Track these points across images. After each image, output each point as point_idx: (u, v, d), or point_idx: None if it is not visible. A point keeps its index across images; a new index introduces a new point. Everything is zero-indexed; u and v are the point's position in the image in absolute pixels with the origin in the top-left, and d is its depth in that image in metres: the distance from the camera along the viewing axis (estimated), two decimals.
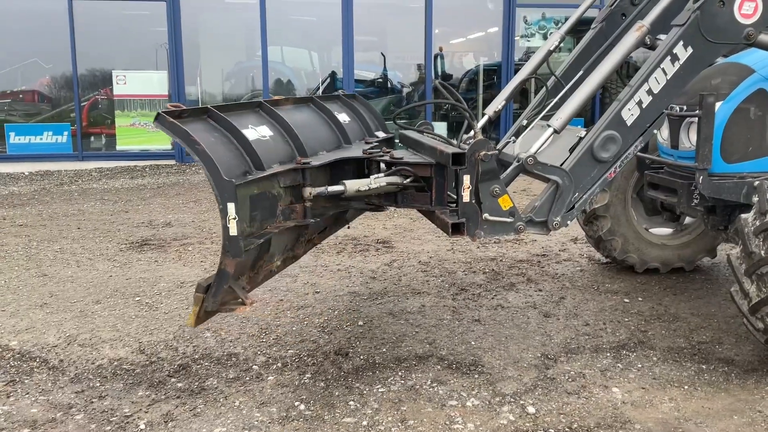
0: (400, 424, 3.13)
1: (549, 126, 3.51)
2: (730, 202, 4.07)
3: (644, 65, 3.55)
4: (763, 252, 3.36)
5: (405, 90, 14.71)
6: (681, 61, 3.50)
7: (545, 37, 13.93)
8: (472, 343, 4.00)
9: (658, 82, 3.50)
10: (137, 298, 4.82)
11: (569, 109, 3.51)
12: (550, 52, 4.42)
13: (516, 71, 13.64)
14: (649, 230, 5.26)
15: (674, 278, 5.16)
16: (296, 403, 3.32)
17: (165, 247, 6.23)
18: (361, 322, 4.30)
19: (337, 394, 3.42)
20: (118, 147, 12.32)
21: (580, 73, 4.18)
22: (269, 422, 3.16)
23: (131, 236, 6.70)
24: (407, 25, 14.08)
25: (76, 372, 3.70)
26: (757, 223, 3.42)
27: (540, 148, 3.47)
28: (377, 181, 3.32)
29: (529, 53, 14.42)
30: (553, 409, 3.25)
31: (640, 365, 3.72)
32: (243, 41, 14.01)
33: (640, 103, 3.49)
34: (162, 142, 12.54)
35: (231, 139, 2.89)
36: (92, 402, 3.37)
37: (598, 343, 3.99)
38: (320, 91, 13.83)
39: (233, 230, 2.69)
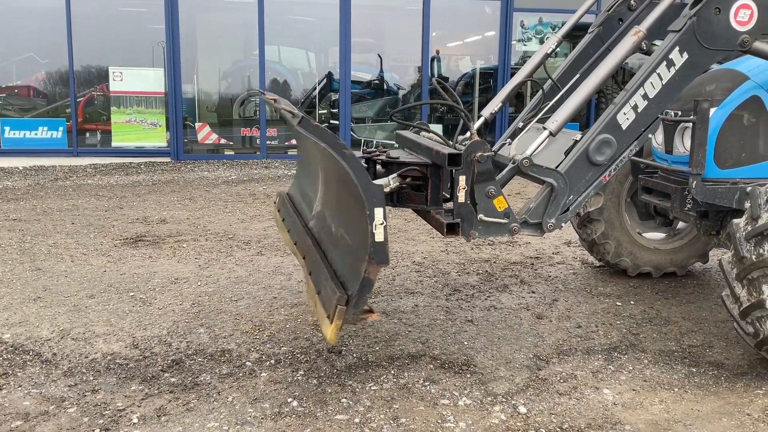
0: (392, 421, 3.14)
1: (545, 129, 3.54)
2: (723, 207, 4.10)
3: (640, 70, 3.59)
4: (754, 257, 3.39)
5: (401, 92, 14.74)
6: (677, 67, 3.54)
7: (542, 42, 13.99)
8: (465, 343, 4.02)
9: (653, 86, 3.53)
10: (131, 294, 4.82)
11: (565, 112, 3.54)
12: (547, 56, 4.46)
13: (513, 75, 13.77)
14: (642, 234, 5.30)
15: (666, 282, 5.20)
16: (289, 400, 3.33)
17: (159, 244, 6.23)
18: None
19: (329, 391, 3.43)
20: (114, 143, 12.30)
21: (577, 76, 4.21)
22: (262, 418, 3.17)
23: (125, 232, 6.70)
24: (405, 27, 14.12)
25: (70, 366, 3.70)
26: (749, 228, 3.46)
27: (536, 150, 3.50)
28: (394, 180, 3.36)
29: (525, 57, 14.49)
30: (545, 410, 3.27)
31: (631, 367, 3.75)
32: (240, 40, 14.02)
33: (635, 107, 3.53)
34: (157, 139, 12.54)
35: None
36: (85, 395, 3.38)
37: (590, 345, 4.02)
38: (316, 91, 13.86)
39: (380, 236, 2.58)
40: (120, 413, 3.21)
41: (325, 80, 14.20)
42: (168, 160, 12.32)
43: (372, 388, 3.47)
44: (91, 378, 3.57)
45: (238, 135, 13.18)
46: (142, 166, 11.60)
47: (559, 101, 4.13)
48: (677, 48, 3.52)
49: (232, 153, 13.03)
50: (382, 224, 2.60)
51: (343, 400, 3.34)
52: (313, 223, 3.62)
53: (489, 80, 13.95)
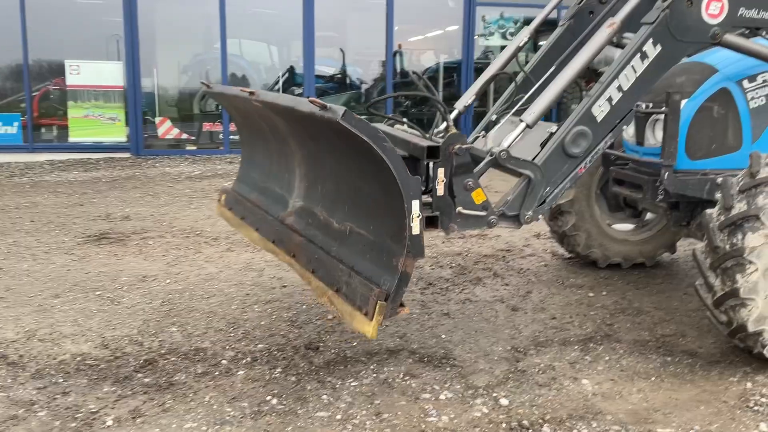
0: (374, 417, 3.11)
1: (522, 121, 3.53)
2: (694, 198, 4.16)
3: (614, 62, 3.60)
4: (727, 246, 3.44)
5: (364, 86, 14.67)
6: (650, 59, 3.56)
7: (504, 36, 14.07)
8: (443, 336, 4.01)
9: (627, 79, 3.55)
10: (98, 293, 4.69)
11: (542, 104, 3.54)
12: (519, 48, 4.46)
13: (476, 69, 13.82)
14: (612, 226, 5.35)
15: (636, 273, 5.26)
16: (268, 398, 3.27)
17: (124, 241, 6.08)
18: (330, 316, 4.26)
19: (309, 388, 3.38)
20: (71, 139, 11.97)
21: (553, 68, 4.22)
22: (241, 417, 3.10)
23: (88, 229, 6.52)
24: (368, 21, 14.05)
25: (38, 367, 3.58)
26: (722, 218, 3.50)
27: (513, 142, 3.49)
28: None
29: (487, 52, 14.55)
30: (526, 401, 3.28)
31: (607, 357, 3.78)
32: (201, 33, 13.79)
33: (610, 99, 3.54)
34: (116, 134, 12.26)
35: None
36: (55, 398, 3.27)
37: (566, 336, 4.04)
38: (279, 85, 13.72)
39: (416, 229, 2.56)
40: (93, 416, 3.11)
41: (287, 74, 14.06)
42: (128, 155, 12.05)
43: (352, 384, 3.43)
44: (61, 380, 3.46)
45: (199, 130, 12.96)
46: (101, 162, 11.32)
47: (534, 94, 4.15)
48: (651, 40, 3.54)
49: (194, 148, 12.81)
50: (418, 217, 2.58)
51: (324, 396, 3.30)
52: (293, 219, 3.53)
53: (453, 74, 13.97)
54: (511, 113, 4.02)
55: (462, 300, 4.62)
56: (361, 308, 2.65)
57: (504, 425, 3.06)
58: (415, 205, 2.55)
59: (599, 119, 3.54)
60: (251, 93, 3.16)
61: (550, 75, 4.10)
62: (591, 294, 4.78)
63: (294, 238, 3.35)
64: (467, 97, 4.39)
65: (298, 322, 4.18)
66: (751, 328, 3.45)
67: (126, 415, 3.11)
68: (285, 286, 4.84)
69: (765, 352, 3.53)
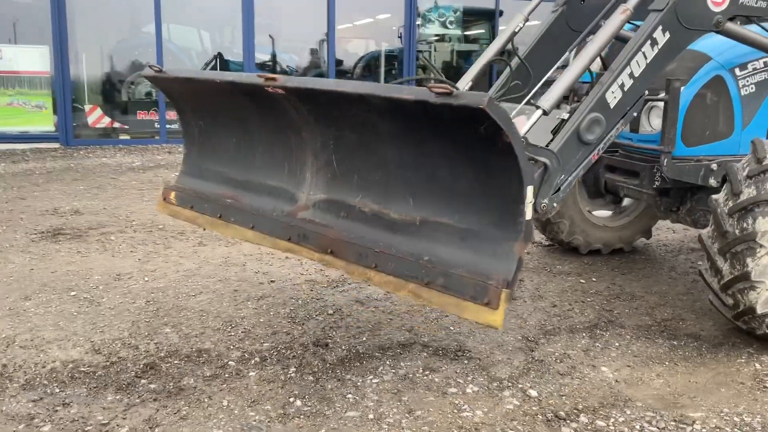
0: (407, 415, 3.00)
1: (538, 107, 3.48)
2: (687, 184, 4.23)
3: (625, 48, 3.60)
4: (737, 231, 3.50)
5: (296, 74, 14.39)
6: (659, 46, 3.57)
7: (444, 25, 14.10)
8: (451, 328, 3.93)
9: (639, 65, 3.55)
10: (72, 293, 4.36)
11: (557, 90, 3.48)
12: (514, 33, 4.40)
13: (417, 58, 13.79)
14: (591, 213, 5.40)
15: (617, 259, 5.34)
16: (290, 399, 3.11)
17: (83, 237, 5.70)
18: (330, 311, 4.11)
19: (330, 387, 3.23)
20: None
21: (569, 54, 4.22)
22: (268, 421, 2.93)
23: (38, 225, 6.08)
24: (307, 7, 13.77)
25: (27, 377, 3.28)
26: (730, 203, 3.56)
27: (529, 129, 3.43)
28: None
29: (421, 40, 14.49)
30: (553, 392, 3.24)
31: (617, 344, 3.80)
32: (128, 17, 13.16)
33: (622, 86, 3.53)
34: (43, 123, 11.57)
35: None
36: (56, 410, 2.99)
37: (572, 324, 4.04)
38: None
39: (528, 214, 2.55)
40: (104, 427, 2.87)
41: (214, 61, 13.66)
42: (57, 145, 11.41)
43: (373, 381, 3.30)
44: (57, 390, 3.17)
45: (134, 118, 12.38)
46: (28, 153, 10.66)
47: (536, 80, 4.12)
48: (660, 27, 3.56)
49: (128, 137, 12.25)
50: (530, 203, 2.56)
51: (349, 396, 3.16)
52: (312, 213, 3.29)
53: (393, 62, 13.89)
54: (523, 102, 3.97)
55: None
56: (475, 298, 2.56)
57: (540, 417, 3.01)
58: (529, 190, 2.54)
59: (612, 106, 3.52)
60: (270, 78, 2.95)
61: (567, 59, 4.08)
62: (582, 281, 4.81)
63: (326, 233, 3.14)
64: (463, 83, 4.31)
65: (298, 319, 4.01)
66: (759, 310, 3.53)
67: (141, 426, 2.88)
68: (273, 281, 4.63)
69: None
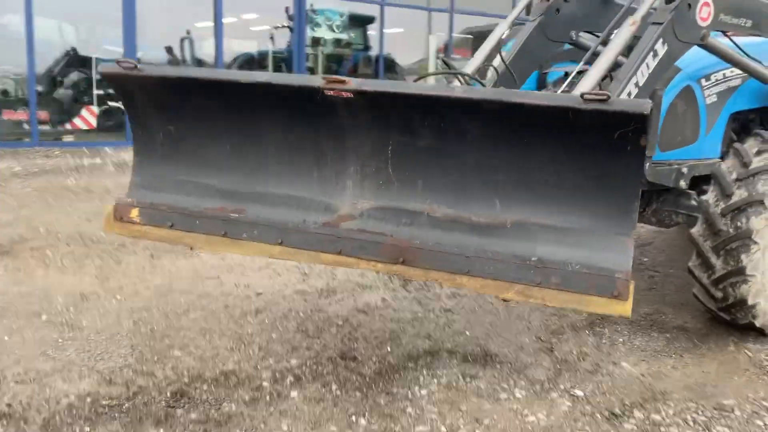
0: (477, 424, 2.98)
1: None
2: (660, 186, 4.53)
3: (630, 59, 3.80)
4: (731, 230, 3.81)
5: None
6: (659, 57, 3.81)
7: (332, 29, 14.08)
8: (467, 333, 3.94)
9: (643, 75, 3.77)
10: (42, 317, 3.88)
11: None
12: (501, 41, 4.49)
13: (307, 58, 13.64)
14: None
15: None
16: (352, 418, 2.98)
17: (12, 253, 5.09)
18: (339, 322, 3.98)
19: (383, 402, 3.13)
20: None
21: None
22: None
23: None
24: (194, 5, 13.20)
25: (44, 417, 2.89)
26: (722, 204, 3.87)
27: None
28: None
29: (315, 44, 14.33)
30: (594, 390, 3.35)
31: (620, 339, 3.99)
32: None
33: (629, 95, 3.73)
34: None
35: None
36: None
37: (571, 322, 4.18)
38: (59, 67, 12.49)
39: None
40: None
41: (68, 57, 12.80)
42: None
43: (421, 391, 3.25)
44: (87, 428, 2.83)
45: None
46: None
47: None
48: (661, 39, 3.79)
49: None
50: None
51: (408, 410, 3.08)
52: (361, 223, 3.10)
53: (281, 63, 13.65)
54: None
55: (450, 294, 4.56)
56: (602, 292, 2.62)
57: (598, 416, 3.10)
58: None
59: None
60: (338, 81, 2.79)
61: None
62: None
63: (389, 242, 3.00)
64: None
65: (310, 332, 3.84)
66: (750, 301, 3.85)
67: None
68: (260, 294, 4.40)
69: (756, 322, 3.97)
